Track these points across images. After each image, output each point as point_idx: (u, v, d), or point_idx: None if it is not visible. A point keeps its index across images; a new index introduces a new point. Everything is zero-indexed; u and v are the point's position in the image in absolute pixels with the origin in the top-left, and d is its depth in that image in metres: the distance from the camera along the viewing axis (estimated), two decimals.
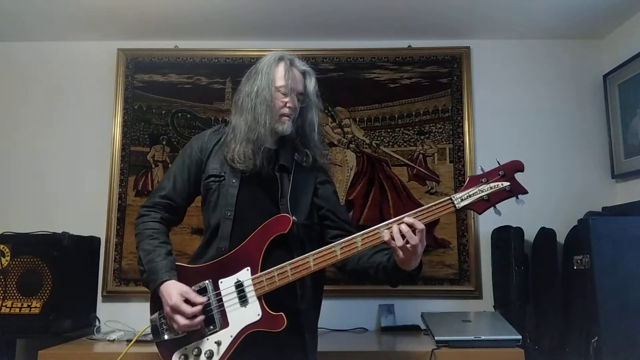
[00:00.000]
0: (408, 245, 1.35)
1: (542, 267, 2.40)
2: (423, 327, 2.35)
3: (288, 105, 1.54)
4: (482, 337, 2.05)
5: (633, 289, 1.91)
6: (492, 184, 1.41)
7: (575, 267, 2.06)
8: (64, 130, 2.79)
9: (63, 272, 2.28)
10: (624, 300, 1.91)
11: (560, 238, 2.44)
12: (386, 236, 1.38)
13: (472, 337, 2.06)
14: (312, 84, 1.61)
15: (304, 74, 1.60)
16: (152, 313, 1.52)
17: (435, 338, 2.05)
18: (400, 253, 1.37)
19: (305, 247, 1.50)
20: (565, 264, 2.37)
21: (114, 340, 2.25)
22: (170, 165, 2.69)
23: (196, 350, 1.44)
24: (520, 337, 2.05)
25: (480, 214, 1.42)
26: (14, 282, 2.26)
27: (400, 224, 1.38)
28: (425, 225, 1.38)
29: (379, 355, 2.10)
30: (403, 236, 1.36)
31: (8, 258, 2.27)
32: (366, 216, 2.67)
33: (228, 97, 2.80)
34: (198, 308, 1.42)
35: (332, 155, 2.72)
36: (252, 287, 1.44)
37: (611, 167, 2.66)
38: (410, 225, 1.37)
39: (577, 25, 2.65)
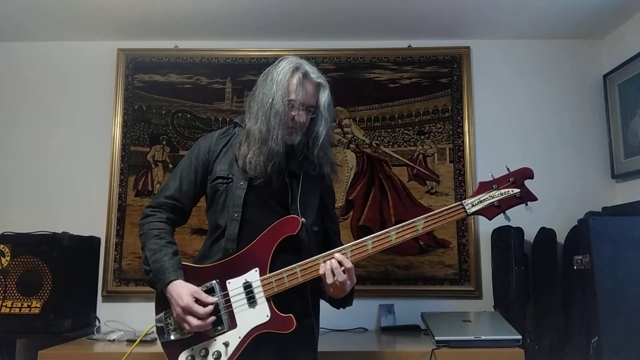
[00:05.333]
0: (337, 282, 1.41)
1: (542, 267, 2.40)
2: (423, 327, 2.34)
3: (297, 119, 1.53)
4: (482, 337, 2.05)
5: (633, 289, 1.91)
6: (502, 190, 1.44)
7: (575, 267, 2.06)
8: (64, 130, 2.79)
9: (63, 272, 2.28)
10: (624, 300, 1.91)
11: (560, 238, 2.44)
12: (321, 270, 1.43)
13: (472, 337, 2.06)
14: (324, 97, 1.57)
15: (318, 86, 1.57)
16: (157, 313, 1.51)
17: (435, 338, 2.05)
18: (330, 288, 1.43)
19: (313, 252, 1.50)
20: (565, 264, 2.37)
21: (114, 340, 2.25)
22: (170, 165, 2.72)
23: (203, 351, 1.43)
24: (520, 337, 2.05)
25: (490, 219, 1.46)
26: (14, 282, 2.26)
27: (330, 259, 1.42)
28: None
29: (379, 355, 2.09)
30: (333, 273, 1.41)
31: (8, 258, 2.27)
32: (366, 216, 2.67)
33: (228, 97, 2.80)
34: (210, 308, 1.42)
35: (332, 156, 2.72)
36: (260, 288, 1.44)
37: (611, 167, 2.66)
38: (340, 263, 1.41)
39: (577, 25, 2.66)
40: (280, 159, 1.52)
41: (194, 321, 1.40)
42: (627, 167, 2.56)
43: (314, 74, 1.56)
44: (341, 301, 1.54)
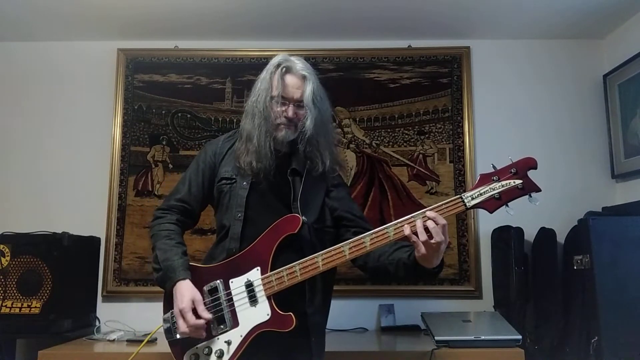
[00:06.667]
0: (432, 241, 1.33)
1: (542, 267, 2.40)
2: (423, 327, 2.34)
3: (284, 115, 1.54)
4: (482, 337, 2.04)
5: (633, 289, 1.91)
6: (503, 182, 1.37)
7: (575, 267, 2.07)
8: (64, 130, 2.79)
9: (63, 272, 2.28)
10: (624, 300, 1.91)
11: (560, 238, 2.44)
12: (407, 231, 1.36)
13: (472, 337, 2.06)
14: (309, 89, 1.54)
15: (302, 79, 1.55)
16: (165, 312, 1.53)
17: (435, 338, 2.05)
18: (422, 249, 1.34)
19: (317, 250, 1.49)
20: (565, 264, 2.37)
21: (114, 340, 2.25)
22: (170, 165, 2.73)
23: (207, 349, 1.45)
24: (520, 337, 2.05)
25: (491, 212, 1.39)
26: (14, 282, 2.26)
27: (423, 218, 1.35)
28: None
29: (379, 355, 2.10)
30: (427, 230, 1.33)
31: (8, 258, 2.27)
32: (366, 216, 2.62)
33: (228, 97, 2.80)
34: (201, 322, 1.42)
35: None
36: (261, 287, 1.44)
37: (611, 167, 2.66)
38: (433, 220, 1.34)
39: (577, 25, 2.65)
40: (269, 156, 1.53)
41: (182, 326, 1.42)
42: (627, 167, 2.56)
43: (299, 67, 1.56)
44: (429, 272, 1.41)
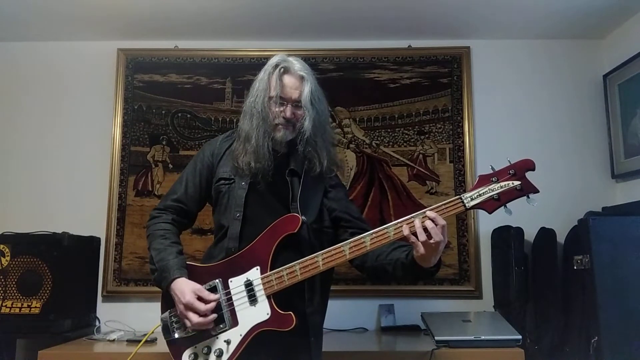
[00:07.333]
0: (431, 241, 1.33)
1: (542, 267, 2.40)
2: (423, 327, 2.35)
3: (282, 115, 1.54)
4: (482, 337, 2.05)
5: (633, 289, 1.91)
6: (502, 183, 1.39)
7: (575, 267, 2.06)
8: (64, 130, 2.79)
9: (63, 272, 2.28)
10: (624, 300, 1.91)
11: (560, 238, 2.44)
12: (406, 231, 1.36)
13: (472, 337, 2.06)
14: (306, 90, 1.53)
15: (300, 79, 1.55)
16: (162, 311, 1.53)
17: (435, 338, 2.05)
18: (422, 249, 1.35)
19: (316, 250, 1.49)
20: (565, 264, 2.37)
21: (114, 340, 2.25)
22: (170, 165, 2.73)
23: (206, 348, 1.45)
24: (520, 337, 2.05)
25: (490, 213, 1.40)
26: (14, 282, 2.26)
27: (423, 218, 1.36)
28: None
29: (379, 355, 2.10)
30: (426, 231, 1.34)
31: (8, 258, 2.27)
32: (366, 216, 2.65)
33: (228, 97, 2.80)
34: (211, 305, 1.43)
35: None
36: (261, 286, 1.44)
37: (611, 167, 2.66)
38: (433, 220, 1.35)
39: (577, 25, 2.66)
40: (267, 157, 1.53)
41: (195, 318, 1.41)
42: (627, 167, 2.56)
43: (297, 67, 1.56)
44: (427, 272, 1.42)
